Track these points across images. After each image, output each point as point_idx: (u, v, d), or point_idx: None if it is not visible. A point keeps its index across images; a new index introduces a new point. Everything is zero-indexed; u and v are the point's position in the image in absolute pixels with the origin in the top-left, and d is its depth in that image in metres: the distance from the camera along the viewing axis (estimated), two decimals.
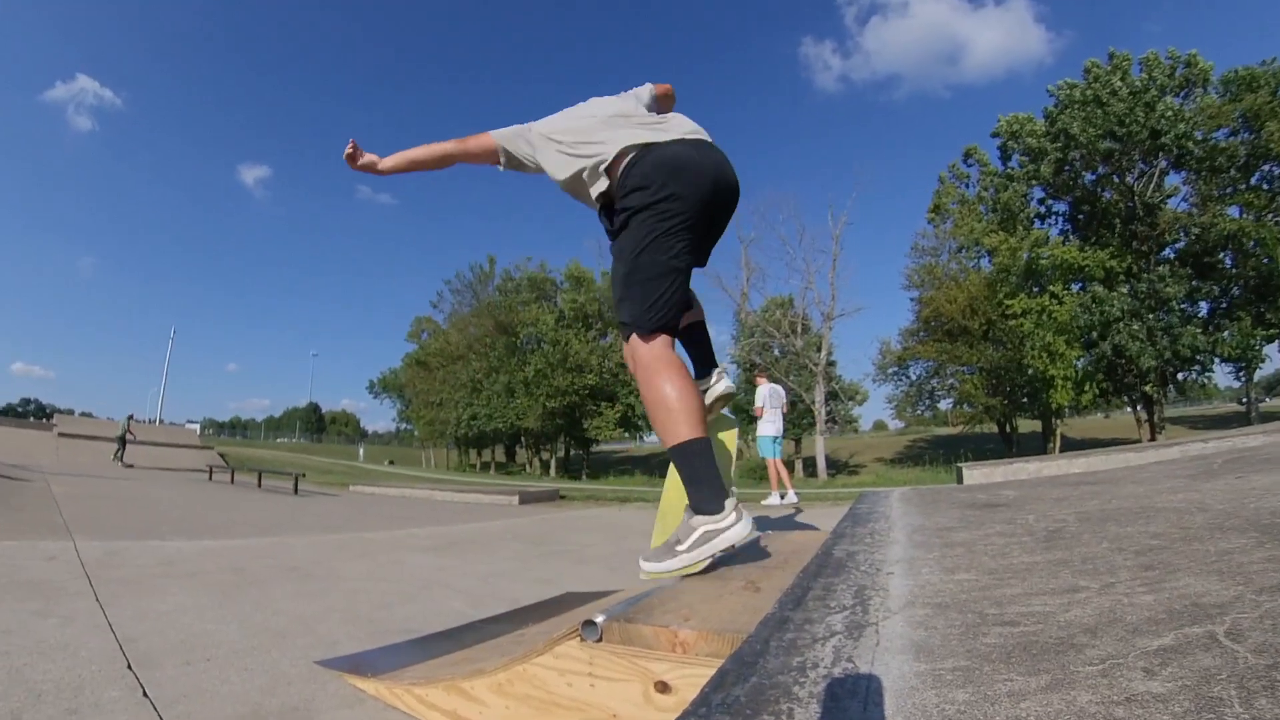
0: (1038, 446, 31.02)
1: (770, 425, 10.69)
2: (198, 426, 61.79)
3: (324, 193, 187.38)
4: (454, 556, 5.19)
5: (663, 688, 1.39)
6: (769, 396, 10.77)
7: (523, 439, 47.81)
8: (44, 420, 50.63)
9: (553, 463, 47.33)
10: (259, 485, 15.27)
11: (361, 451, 61.30)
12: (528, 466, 48.67)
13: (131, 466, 21.68)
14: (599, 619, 1.53)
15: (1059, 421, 30.51)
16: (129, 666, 2.20)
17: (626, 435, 47.43)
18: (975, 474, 10.86)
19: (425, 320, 57.26)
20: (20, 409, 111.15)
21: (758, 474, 22.27)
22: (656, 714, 1.38)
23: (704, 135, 2.39)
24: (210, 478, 17.82)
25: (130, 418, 26.59)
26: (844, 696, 0.78)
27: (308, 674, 2.24)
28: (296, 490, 13.77)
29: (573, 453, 49.48)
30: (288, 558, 4.78)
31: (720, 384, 2.78)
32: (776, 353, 36.90)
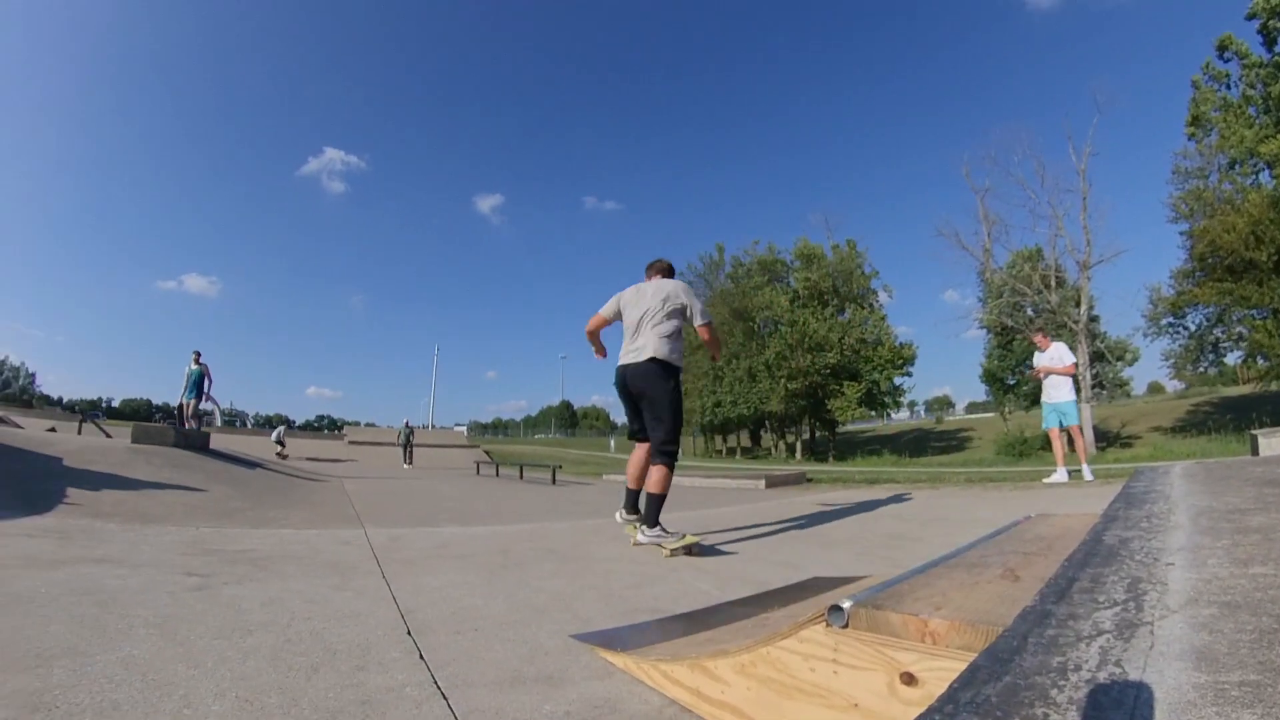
0: None
1: (1053, 390, 10.04)
2: (464, 428, 68.84)
3: (552, 208, 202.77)
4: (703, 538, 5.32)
5: (908, 679, 1.35)
6: (1048, 359, 10.15)
7: (767, 423, 47.99)
8: (336, 431, 58.76)
9: (798, 445, 47.03)
10: (520, 477, 16.63)
11: (612, 443, 64.67)
12: (773, 450, 48.75)
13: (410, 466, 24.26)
14: (845, 604, 1.51)
15: None
16: (408, 633, 2.50)
17: (872, 414, 46.09)
18: (1274, 443, 9.30)
19: None
20: (316, 424, 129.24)
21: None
22: (900, 707, 1.34)
23: (632, 357, 5.09)
24: (478, 472, 19.73)
25: (406, 423, 29.61)
26: (1108, 706, 0.72)
27: (563, 646, 2.41)
28: (554, 480, 14.83)
29: (818, 434, 48.83)
30: (547, 541, 5.16)
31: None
32: (1030, 312, 33.73)
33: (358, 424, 69.88)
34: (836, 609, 1.52)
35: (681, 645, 2.27)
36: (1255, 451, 9.10)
